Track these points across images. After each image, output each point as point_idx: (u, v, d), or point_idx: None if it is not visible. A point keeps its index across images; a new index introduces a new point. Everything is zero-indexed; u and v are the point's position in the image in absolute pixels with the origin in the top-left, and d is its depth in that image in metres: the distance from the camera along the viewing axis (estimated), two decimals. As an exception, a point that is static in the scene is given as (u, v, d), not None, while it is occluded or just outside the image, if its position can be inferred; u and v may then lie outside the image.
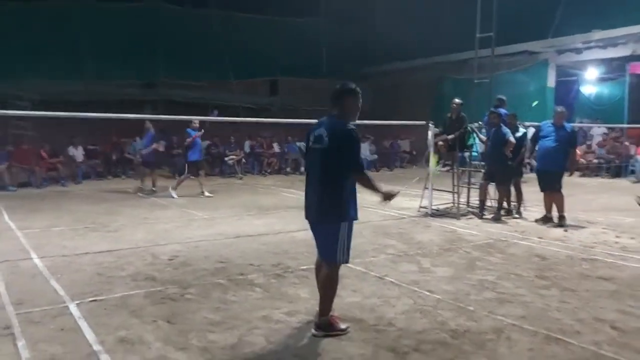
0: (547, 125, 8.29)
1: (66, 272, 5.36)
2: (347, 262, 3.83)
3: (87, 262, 5.77)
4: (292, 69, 20.24)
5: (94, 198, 11.29)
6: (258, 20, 20.52)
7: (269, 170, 17.59)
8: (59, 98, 14.36)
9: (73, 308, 4.28)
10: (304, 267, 5.53)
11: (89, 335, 3.73)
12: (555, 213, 8.20)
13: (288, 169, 17.81)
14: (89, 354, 3.46)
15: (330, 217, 3.73)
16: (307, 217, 3.91)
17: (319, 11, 21.85)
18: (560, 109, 8.45)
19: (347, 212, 3.71)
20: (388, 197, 3.75)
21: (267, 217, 8.90)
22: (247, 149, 17.67)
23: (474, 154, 9.73)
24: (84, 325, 3.91)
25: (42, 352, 3.47)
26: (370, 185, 3.70)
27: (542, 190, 8.31)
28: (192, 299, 4.57)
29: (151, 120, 12.28)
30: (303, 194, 3.94)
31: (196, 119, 11.21)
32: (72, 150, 14.99)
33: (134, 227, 7.99)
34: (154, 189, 12.04)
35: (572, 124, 8.85)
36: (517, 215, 8.87)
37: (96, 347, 3.54)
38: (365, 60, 22.29)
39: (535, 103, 15.96)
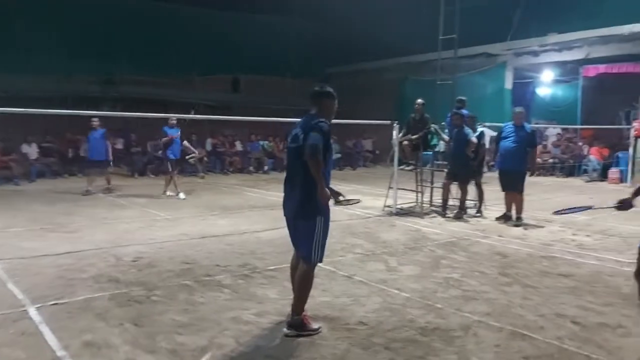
0: (508, 126, 8.48)
1: (25, 275, 5.16)
2: (320, 261, 3.84)
3: (46, 264, 5.57)
4: (255, 67, 20.04)
5: (50, 197, 10.90)
6: (220, 17, 20.26)
7: (231, 169, 17.42)
8: (13, 94, 13.82)
9: (33, 312, 4.13)
10: (272, 267, 5.51)
11: (52, 339, 3.61)
12: (514, 212, 8.41)
13: (251, 168, 17.65)
14: (53, 359, 3.35)
15: (307, 212, 3.76)
16: (285, 214, 3.98)
17: (284, 9, 21.74)
18: (518, 109, 8.67)
19: (322, 205, 3.75)
20: (323, 196, 3.70)
21: (231, 217, 8.81)
22: (208, 147, 17.45)
23: (429, 153, 9.89)
24: (45, 329, 3.78)
25: (5, 358, 3.35)
26: (317, 176, 3.63)
27: (504, 189, 8.49)
28: (159, 301, 4.48)
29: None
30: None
31: (173, 116, 10.96)
32: (25, 148, 14.44)
33: (94, 227, 7.76)
34: (109, 186, 11.77)
35: (530, 125, 9.12)
36: (478, 214, 9.07)
37: (60, 352, 3.43)
38: (328, 60, 22.30)
39: None
